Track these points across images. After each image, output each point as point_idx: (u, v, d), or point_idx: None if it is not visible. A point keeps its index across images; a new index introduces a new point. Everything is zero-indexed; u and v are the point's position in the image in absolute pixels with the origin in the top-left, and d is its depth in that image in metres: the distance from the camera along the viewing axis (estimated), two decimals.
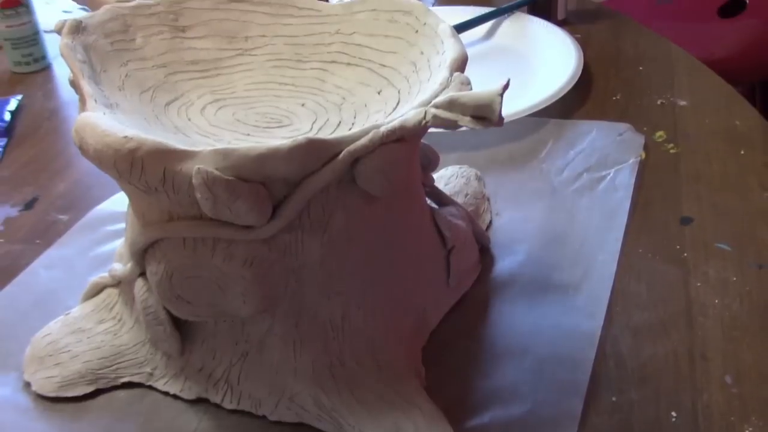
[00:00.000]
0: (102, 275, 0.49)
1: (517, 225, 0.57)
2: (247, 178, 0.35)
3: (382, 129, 0.36)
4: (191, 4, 0.49)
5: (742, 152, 0.64)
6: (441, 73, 0.40)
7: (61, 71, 0.88)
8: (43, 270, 0.56)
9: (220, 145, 0.39)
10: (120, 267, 0.46)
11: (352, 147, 0.35)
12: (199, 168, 0.34)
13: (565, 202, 0.59)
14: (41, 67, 0.88)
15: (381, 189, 0.38)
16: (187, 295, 0.40)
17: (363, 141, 0.35)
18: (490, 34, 0.87)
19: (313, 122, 0.44)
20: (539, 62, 0.80)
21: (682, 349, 0.46)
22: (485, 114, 0.34)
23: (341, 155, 0.36)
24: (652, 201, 0.59)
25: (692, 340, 0.47)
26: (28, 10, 0.85)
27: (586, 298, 0.50)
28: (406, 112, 0.37)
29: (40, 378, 0.46)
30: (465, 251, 0.51)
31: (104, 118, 0.36)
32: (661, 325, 0.48)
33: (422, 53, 0.45)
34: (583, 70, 0.75)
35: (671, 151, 0.65)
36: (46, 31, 0.90)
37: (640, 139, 0.66)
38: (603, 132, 0.67)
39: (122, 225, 0.60)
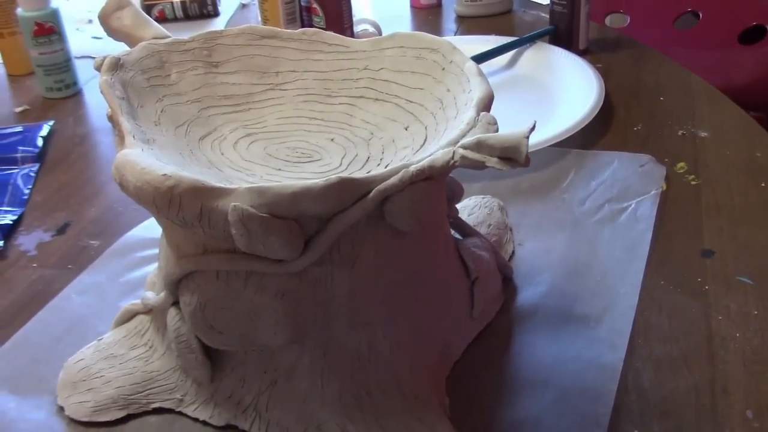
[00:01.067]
0: (134, 302, 0.50)
1: (539, 255, 0.58)
2: (281, 215, 0.36)
3: (412, 169, 0.37)
4: (224, 41, 0.51)
5: (763, 184, 0.65)
6: (468, 112, 0.41)
7: (92, 97, 0.90)
8: (75, 295, 0.58)
9: (253, 180, 0.40)
10: (152, 295, 0.47)
11: (382, 186, 0.37)
12: (235, 205, 0.35)
13: (586, 233, 0.60)
14: (72, 92, 0.90)
15: (409, 225, 0.39)
16: (219, 326, 0.42)
17: (393, 180, 0.37)
18: (511, 63, 0.89)
19: (343, 157, 0.45)
20: (561, 92, 0.81)
21: (704, 383, 0.47)
22: (512, 155, 0.35)
23: (372, 194, 0.37)
24: (673, 233, 0.60)
25: (713, 374, 0.47)
26: (61, 38, 0.88)
27: (608, 330, 0.51)
28: (435, 151, 0.38)
29: (73, 403, 0.47)
30: (488, 282, 0.52)
31: (143, 155, 0.38)
32: (682, 358, 0.48)
33: (449, 90, 0.46)
34: (604, 100, 0.76)
35: (692, 182, 0.66)
36: (76, 57, 0.93)
37: (662, 171, 0.67)
38: (624, 163, 0.68)
39: (152, 251, 0.61)
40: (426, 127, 0.45)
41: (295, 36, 0.52)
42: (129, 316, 0.51)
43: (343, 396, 0.44)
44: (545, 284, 0.55)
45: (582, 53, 0.89)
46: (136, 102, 0.45)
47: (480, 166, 0.36)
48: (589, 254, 0.58)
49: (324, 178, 0.36)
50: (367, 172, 0.42)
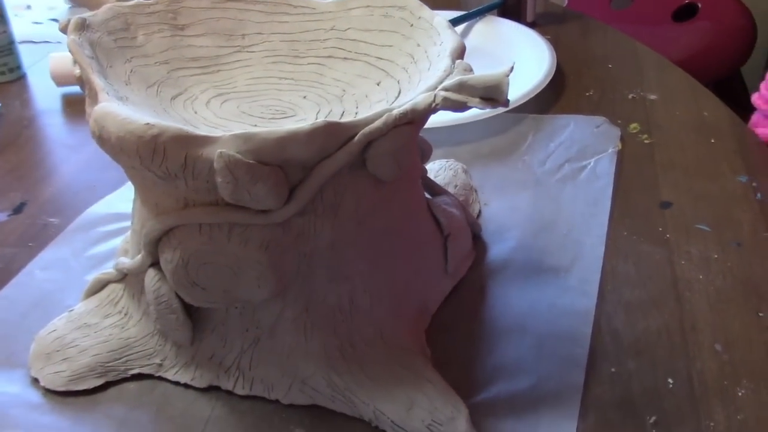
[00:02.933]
0: (105, 271, 0.50)
1: (505, 214, 0.59)
2: (267, 162, 0.36)
3: (395, 112, 0.37)
4: (189, 3, 0.50)
5: (712, 141, 0.67)
6: (442, 62, 0.42)
7: (37, 81, 0.88)
8: (39, 271, 0.56)
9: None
10: (127, 261, 0.47)
11: (367, 129, 0.37)
12: (221, 152, 0.35)
13: (549, 191, 0.62)
14: (16, 77, 0.88)
15: (390, 172, 0.40)
16: (202, 282, 0.41)
17: (377, 124, 0.37)
18: (462, 36, 0.90)
19: (317, 113, 0.45)
20: (513, 62, 0.82)
21: (673, 322, 0.48)
22: (493, 95, 0.36)
23: (356, 138, 0.37)
24: (632, 188, 0.62)
25: (681, 313, 0.49)
26: (3, 20, 0.85)
27: (578, 279, 0.52)
28: (414, 97, 0.39)
29: (48, 373, 0.46)
30: (460, 238, 0.53)
31: (123, 108, 0.37)
32: (651, 301, 0.50)
33: (419, 45, 0.47)
34: (555, 69, 0.77)
35: (646, 141, 0.68)
36: (18, 42, 0.90)
37: (616, 131, 0.69)
38: (580, 125, 0.70)
39: (116, 225, 0.60)
40: (398, 81, 0.46)
41: (289, 1, 0.51)
42: (100, 286, 0.50)
43: (328, 349, 0.44)
44: (514, 240, 0.57)
45: (530, 25, 0.91)
46: (105, 62, 0.44)
47: (461, 106, 0.37)
48: (554, 210, 0.59)
49: (310, 123, 0.36)
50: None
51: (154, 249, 0.43)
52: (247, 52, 0.50)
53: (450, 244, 0.51)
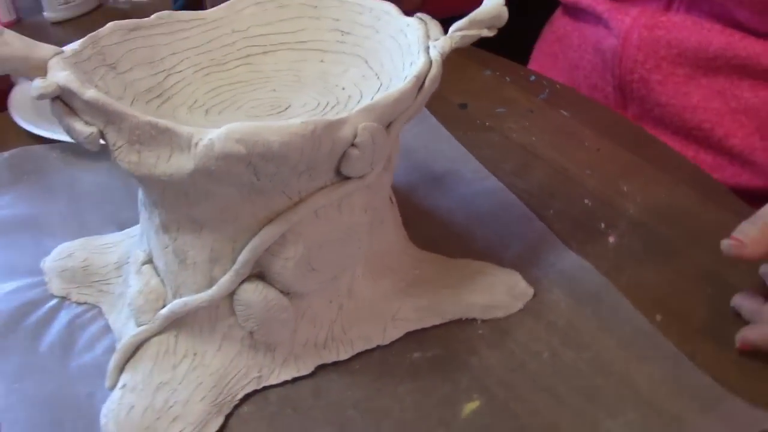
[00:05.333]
0: (141, 329, 0.47)
1: None
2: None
3: (447, 43, 0.45)
4: (104, 42, 0.48)
5: None
6: (396, 21, 0.50)
7: None
8: None
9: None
10: (193, 297, 0.46)
11: (431, 74, 0.45)
12: (366, 124, 0.40)
13: None
14: None
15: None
16: (318, 265, 0.45)
17: (435, 69, 0.45)
18: None
19: (304, 104, 0.50)
20: None
21: None
22: (497, 24, 0.47)
23: (426, 84, 0.44)
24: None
25: None
26: None
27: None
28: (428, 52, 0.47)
29: None
30: None
31: (249, 122, 0.39)
32: None
33: (338, 20, 0.54)
34: None
35: None
36: None
37: None
38: None
39: None
40: (353, 55, 0.53)
41: (155, 22, 0.52)
42: (134, 349, 0.48)
43: (397, 284, 0.51)
44: None
45: None
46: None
47: (475, 39, 0.47)
48: None
49: (397, 88, 0.43)
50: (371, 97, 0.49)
51: (251, 264, 0.44)
52: (177, 73, 0.51)
53: None
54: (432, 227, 0.60)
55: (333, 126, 0.39)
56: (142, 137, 0.40)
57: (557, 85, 0.79)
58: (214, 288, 0.45)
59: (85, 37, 0.47)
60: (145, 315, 0.48)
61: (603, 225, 0.60)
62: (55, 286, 0.55)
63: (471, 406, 0.46)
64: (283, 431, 0.46)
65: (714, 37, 0.74)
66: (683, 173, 0.65)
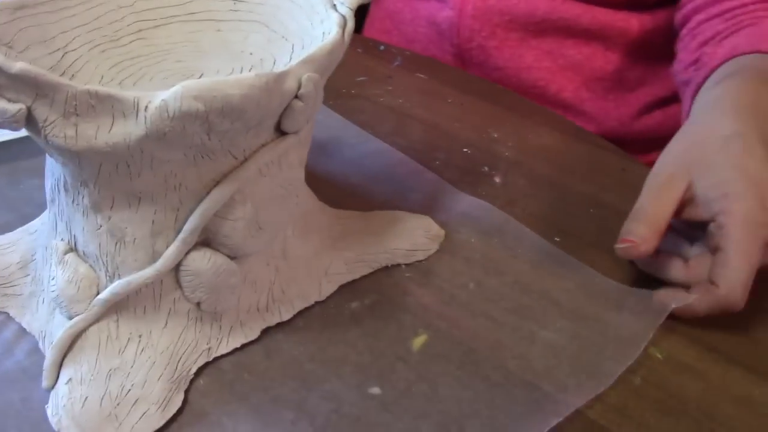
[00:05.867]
0: (77, 319, 0.45)
1: None
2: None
3: (346, 8, 0.47)
4: None
5: None
6: None
7: None
8: None
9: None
10: (136, 276, 0.44)
11: (348, 27, 0.46)
12: (309, 75, 0.41)
13: None
14: None
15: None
16: (264, 224, 0.45)
17: (350, 22, 0.47)
18: None
19: (217, 71, 0.50)
20: None
21: None
22: None
23: (345, 39, 0.46)
24: None
25: None
26: None
27: None
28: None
29: (132, 427, 0.42)
30: None
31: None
32: None
33: None
34: None
35: None
36: None
37: None
38: None
39: None
40: (252, 22, 0.53)
41: (37, 0, 0.49)
42: (70, 342, 0.45)
43: (324, 240, 0.53)
44: None
45: None
46: None
47: None
48: None
49: (330, 38, 0.44)
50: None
51: (201, 229, 0.43)
52: (72, 51, 0.48)
53: None
54: (330, 189, 0.62)
55: (281, 78, 0.40)
56: (80, 108, 0.38)
57: (407, 53, 0.83)
58: (160, 261, 0.44)
59: None
60: (78, 304, 0.45)
61: (486, 168, 0.65)
62: None
63: (420, 340, 0.49)
64: (245, 395, 0.45)
65: (540, 2, 0.82)
66: (541, 117, 0.72)
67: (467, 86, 0.77)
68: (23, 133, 0.64)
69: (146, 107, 0.38)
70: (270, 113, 0.41)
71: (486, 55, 0.85)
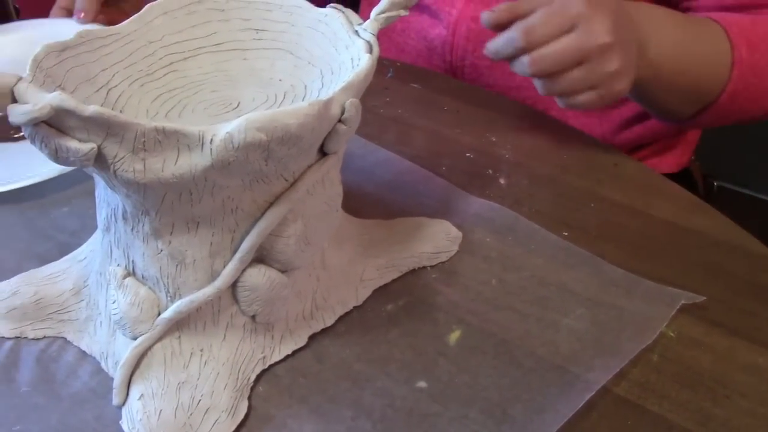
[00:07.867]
0: (143, 338, 0.48)
1: None
2: None
3: (369, 35, 0.51)
4: (44, 64, 0.48)
5: None
6: (311, 14, 0.55)
7: None
8: None
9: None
10: (199, 294, 0.47)
11: (374, 52, 0.50)
12: (352, 101, 0.45)
13: None
14: None
15: None
16: (312, 239, 0.49)
17: (375, 47, 0.51)
18: None
19: (253, 99, 0.53)
20: None
21: None
22: (411, 3, 0.54)
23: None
24: None
25: None
26: None
27: None
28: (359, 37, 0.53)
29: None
30: None
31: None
32: None
33: (247, 20, 0.57)
34: None
35: None
36: None
37: None
38: None
39: None
40: (289, 51, 0.56)
41: (77, 41, 0.51)
42: (137, 360, 0.48)
43: (357, 251, 0.56)
44: None
45: None
46: None
47: (395, 20, 0.53)
48: None
49: (366, 59, 0.48)
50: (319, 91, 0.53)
51: (253, 250, 0.47)
52: (115, 87, 0.51)
53: None
54: (348, 200, 0.66)
55: (328, 104, 0.44)
56: (147, 144, 0.42)
57: (398, 64, 0.88)
58: (219, 279, 0.47)
59: (29, 63, 0.47)
60: (142, 324, 0.48)
61: (490, 171, 0.69)
62: (4, 329, 0.53)
63: (455, 336, 0.53)
64: (304, 398, 0.49)
65: None
66: (534, 120, 0.77)
67: (461, 94, 0.81)
68: (55, 173, 0.67)
69: (211, 140, 0.41)
70: (319, 138, 0.45)
71: (477, 74, 0.89)
